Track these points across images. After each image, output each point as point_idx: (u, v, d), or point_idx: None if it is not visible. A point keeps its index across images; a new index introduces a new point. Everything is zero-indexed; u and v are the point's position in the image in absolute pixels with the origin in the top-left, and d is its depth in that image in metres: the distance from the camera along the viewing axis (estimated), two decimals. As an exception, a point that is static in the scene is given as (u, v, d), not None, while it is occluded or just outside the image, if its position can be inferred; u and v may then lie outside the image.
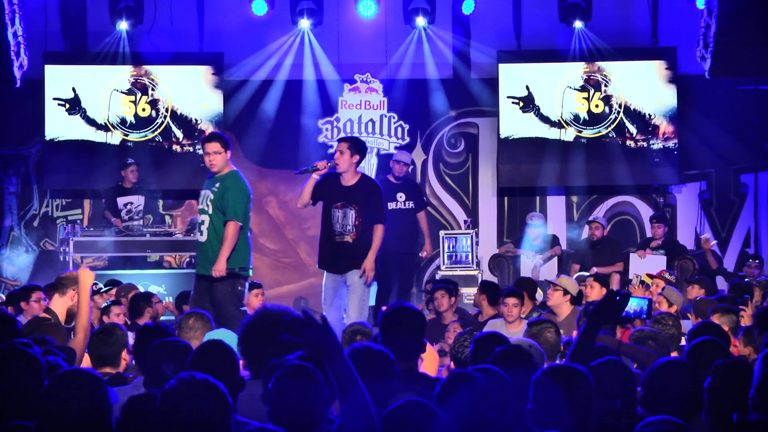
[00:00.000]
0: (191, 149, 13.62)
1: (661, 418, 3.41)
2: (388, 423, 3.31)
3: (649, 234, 13.26)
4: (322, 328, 3.41)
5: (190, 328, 5.83)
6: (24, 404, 3.61)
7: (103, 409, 3.47)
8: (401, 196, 12.00)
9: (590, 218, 13.33)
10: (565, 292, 8.77)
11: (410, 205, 12.07)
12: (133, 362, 5.50)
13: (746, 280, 10.76)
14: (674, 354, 5.66)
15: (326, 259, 8.77)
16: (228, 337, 5.30)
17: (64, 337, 6.15)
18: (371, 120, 13.87)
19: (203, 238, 8.38)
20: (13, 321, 5.64)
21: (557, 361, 4.76)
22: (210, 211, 8.33)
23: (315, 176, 8.67)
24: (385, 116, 13.86)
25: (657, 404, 3.91)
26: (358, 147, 8.78)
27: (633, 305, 4.45)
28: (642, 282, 9.82)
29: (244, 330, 4.40)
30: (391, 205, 11.72)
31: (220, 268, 8.18)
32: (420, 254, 12.27)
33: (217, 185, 8.35)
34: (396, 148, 13.88)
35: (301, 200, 8.81)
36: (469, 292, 11.73)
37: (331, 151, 12.86)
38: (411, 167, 13.05)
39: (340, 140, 8.95)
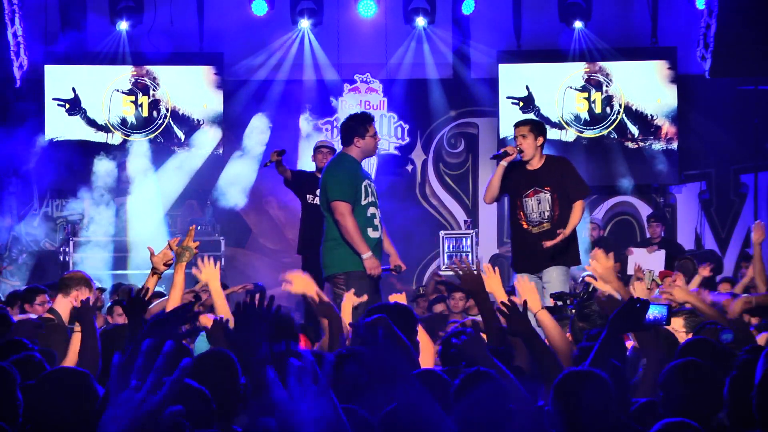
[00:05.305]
0: (191, 149, 13.65)
1: (678, 421, 3.43)
2: (385, 424, 3.31)
3: (647, 234, 13.26)
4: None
5: None
6: None
7: (90, 405, 3.47)
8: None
9: (588, 219, 13.35)
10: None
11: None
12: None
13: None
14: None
15: (522, 258, 7.54)
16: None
17: (65, 338, 6.14)
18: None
19: (379, 234, 7.42)
20: (8, 321, 5.64)
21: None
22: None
23: (504, 163, 7.77)
24: (385, 116, 13.87)
25: (676, 406, 3.93)
26: (539, 128, 7.95)
27: (654, 312, 4.45)
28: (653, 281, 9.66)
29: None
30: (309, 198, 10.59)
31: None
32: None
33: (368, 174, 7.65)
34: (396, 148, 13.89)
35: (490, 194, 7.89)
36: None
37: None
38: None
39: (518, 124, 8.00)
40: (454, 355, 4.75)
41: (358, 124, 7.41)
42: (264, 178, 13.91)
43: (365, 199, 7.30)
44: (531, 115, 13.40)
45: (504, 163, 7.78)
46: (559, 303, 6.46)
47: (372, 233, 7.30)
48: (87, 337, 4.99)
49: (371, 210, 7.34)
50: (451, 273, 12.18)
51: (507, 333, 4.40)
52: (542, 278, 7.52)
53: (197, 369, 3.98)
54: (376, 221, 7.36)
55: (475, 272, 5.11)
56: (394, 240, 7.87)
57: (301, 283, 5.68)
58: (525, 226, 7.74)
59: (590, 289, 6.58)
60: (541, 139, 7.80)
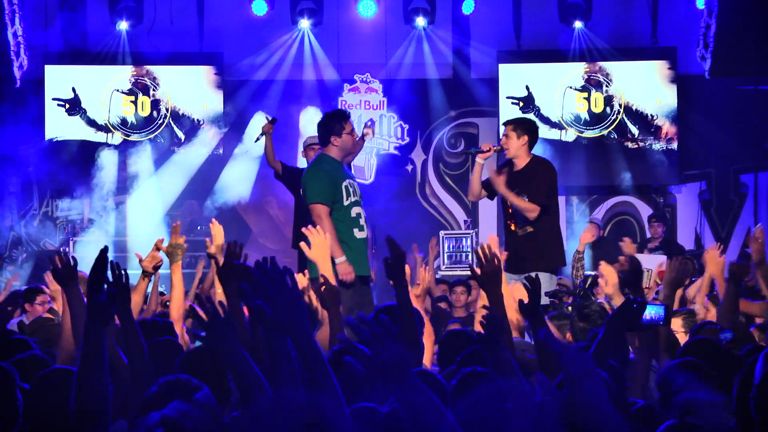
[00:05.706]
0: (191, 149, 13.65)
1: (685, 422, 3.42)
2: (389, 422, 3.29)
3: (648, 234, 13.27)
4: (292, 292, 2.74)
5: None
6: None
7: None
8: None
9: (588, 219, 13.35)
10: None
11: None
12: None
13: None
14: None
15: (511, 259, 7.19)
16: None
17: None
18: (371, 120, 13.86)
19: (366, 234, 7.19)
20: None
21: None
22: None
23: (480, 161, 7.74)
24: (385, 116, 13.87)
25: (674, 405, 3.92)
26: (525, 127, 7.81)
27: (651, 312, 4.43)
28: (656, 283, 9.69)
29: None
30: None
31: None
32: None
33: (351, 174, 7.45)
34: (396, 148, 13.88)
35: (471, 192, 7.91)
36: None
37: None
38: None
39: (504, 123, 7.96)
40: (452, 356, 4.74)
41: (334, 123, 7.14)
42: (264, 178, 13.92)
43: (347, 199, 7.04)
44: (531, 116, 13.40)
45: (480, 160, 7.69)
46: (555, 301, 6.45)
47: (358, 233, 7.06)
48: (74, 306, 4.55)
49: (356, 210, 7.08)
50: (450, 273, 12.20)
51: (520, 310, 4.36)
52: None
53: (187, 365, 3.98)
54: (362, 221, 7.11)
55: (497, 262, 4.85)
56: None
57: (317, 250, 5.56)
58: (513, 227, 7.69)
59: (587, 286, 6.57)
60: (525, 138, 7.65)
